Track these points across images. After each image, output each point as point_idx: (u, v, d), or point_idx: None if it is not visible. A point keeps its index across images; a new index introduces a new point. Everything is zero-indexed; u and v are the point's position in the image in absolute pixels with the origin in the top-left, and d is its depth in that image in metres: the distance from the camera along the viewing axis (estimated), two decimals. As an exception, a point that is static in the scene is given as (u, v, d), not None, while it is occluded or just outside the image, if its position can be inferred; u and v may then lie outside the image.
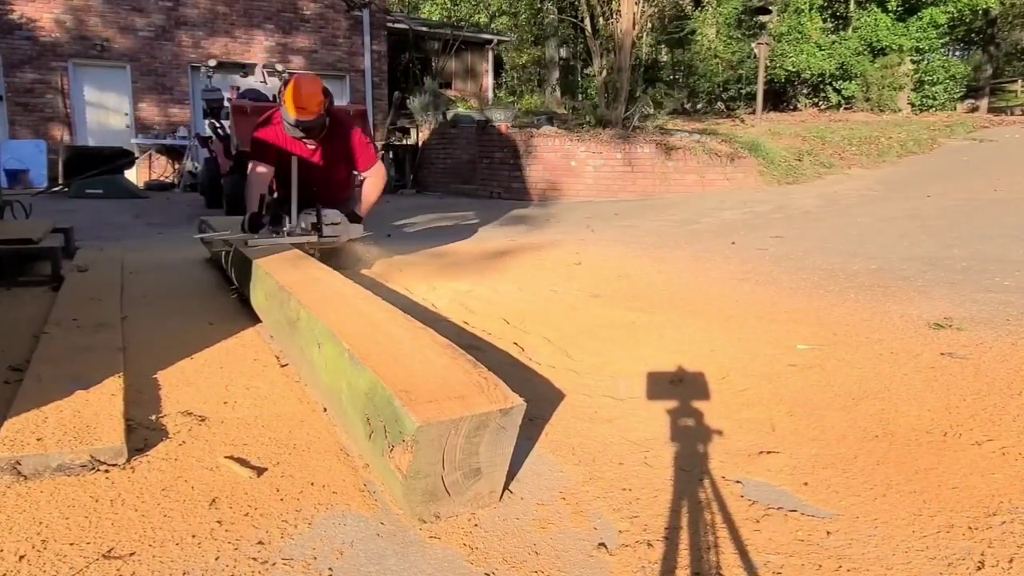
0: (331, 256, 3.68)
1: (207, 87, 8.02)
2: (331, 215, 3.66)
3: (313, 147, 3.74)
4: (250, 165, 3.69)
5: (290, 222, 3.55)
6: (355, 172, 4.05)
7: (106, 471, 1.42)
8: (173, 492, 1.37)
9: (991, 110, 17.18)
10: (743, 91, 16.18)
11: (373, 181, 4.02)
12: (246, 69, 8.98)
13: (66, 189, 9.69)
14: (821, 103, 15.81)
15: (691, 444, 1.67)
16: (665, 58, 17.73)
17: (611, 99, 10.39)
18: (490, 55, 17.51)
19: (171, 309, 2.90)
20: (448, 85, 16.76)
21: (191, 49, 12.83)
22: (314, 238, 3.57)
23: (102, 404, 1.63)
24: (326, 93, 3.59)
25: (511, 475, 1.45)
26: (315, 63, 13.62)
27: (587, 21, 11.67)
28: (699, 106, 16.67)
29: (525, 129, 10.18)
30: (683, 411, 1.87)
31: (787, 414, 1.83)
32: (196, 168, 10.71)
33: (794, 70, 15.35)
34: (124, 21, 12.37)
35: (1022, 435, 1.62)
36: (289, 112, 3.47)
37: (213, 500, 1.35)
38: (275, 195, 3.91)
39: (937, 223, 5.35)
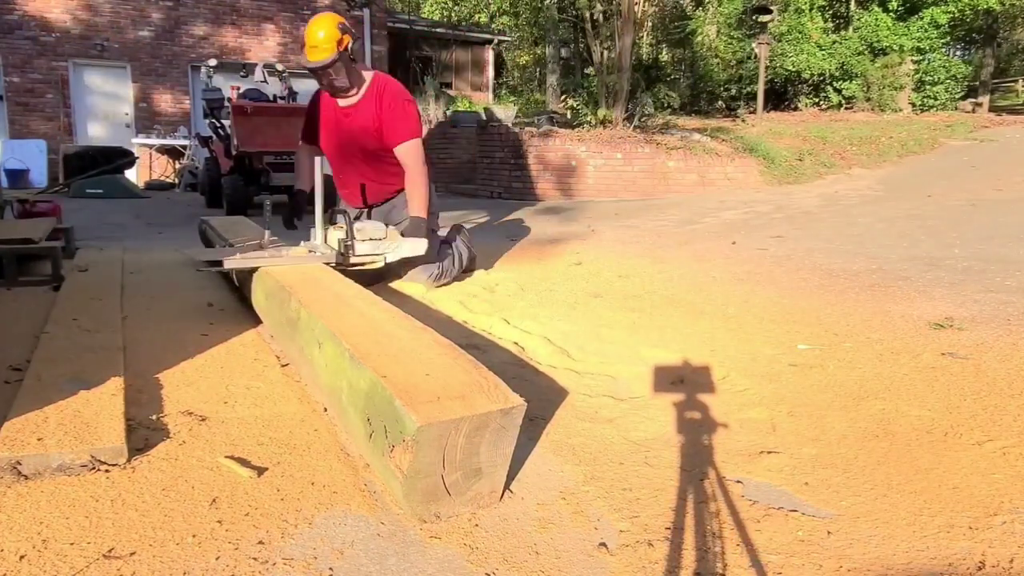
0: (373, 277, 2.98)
1: (207, 87, 8.01)
2: (369, 228, 2.87)
3: (347, 106, 2.99)
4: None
5: (314, 235, 2.88)
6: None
7: (106, 471, 1.42)
8: (173, 492, 1.37)
9: (992, 109, 17.17)
10: (744, 91, 16.18)
11: (406, 169, 3.08)
12: (246, 69, 8.97)
13: (66, 189, 9.69)
14: (822, 103, 15.80)
15: (692, 444, 1.67)
16: (666, 58, 17.73)
17: (612, 99, 10.38)
18: (491, 54, 17.53)
19: (172, 309, 2.90)
20: (449, 84, 16.78)
21: (191, 48, 12.85)
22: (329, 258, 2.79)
23: (102, 404, 1.63)
24: (345, 31, 2.90)
25: (511, 475, 1.45)
26: (316, 63, 13.62)
27: (588, 21, 11.67)
28: (700, 106, 16.67)
29: (526, 129, 10.19)
30: (684, 411, 1.87)
31: (788, 414, 1.82)
32: (196, 168, 10.71)
33: (795, 70, 15.34)
34: (124, 20, 12.39)
35: (1023, 435, 1.62)
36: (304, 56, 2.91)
37: (213, 500, 1.35)
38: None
39: (938, 223, 5.34)
